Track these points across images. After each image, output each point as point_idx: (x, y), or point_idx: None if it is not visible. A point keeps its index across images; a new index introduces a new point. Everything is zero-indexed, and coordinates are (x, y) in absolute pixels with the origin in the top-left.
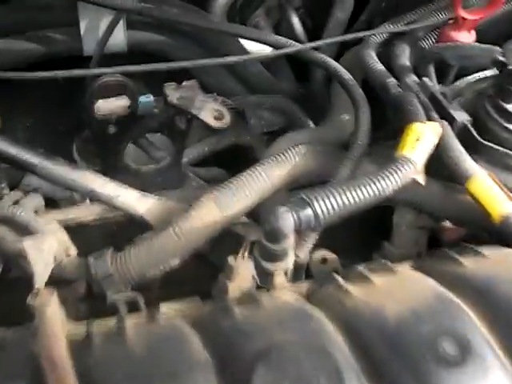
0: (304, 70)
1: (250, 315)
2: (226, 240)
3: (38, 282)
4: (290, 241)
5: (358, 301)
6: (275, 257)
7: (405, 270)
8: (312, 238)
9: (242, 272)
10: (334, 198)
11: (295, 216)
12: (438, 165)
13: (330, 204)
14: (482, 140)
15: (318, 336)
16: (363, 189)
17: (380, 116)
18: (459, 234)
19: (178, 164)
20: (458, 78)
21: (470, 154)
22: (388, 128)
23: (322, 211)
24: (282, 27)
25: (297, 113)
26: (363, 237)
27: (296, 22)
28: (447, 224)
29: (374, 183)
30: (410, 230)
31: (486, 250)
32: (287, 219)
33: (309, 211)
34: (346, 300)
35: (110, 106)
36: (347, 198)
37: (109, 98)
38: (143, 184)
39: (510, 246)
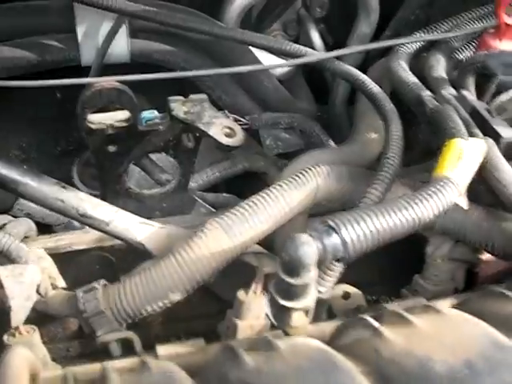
0: (322, 91)
1: (262, 365)
2: (235, 271)
3: (14, 318)
4: (313, 274)
5: (397, 349)
6: (294, 293)
7: (450, 310)
8: (337, 271)
9: (254, 309)
10: (365, 223)
11: (319, 244)
12: (480, 188)
13: (360, 230)
14: None
15: None
16: (400, 213)
17: (411, 136)
18: (497, 268)
19: (185, 188)
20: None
21: None
22: (420, 149)
23: (352, 239)
24: (300, 42)
25: (317, 132)
26: (391, 270)
27: (316, 36)
28: (484, 256)
29: (412, 206)
30: (446, 262)
31: None
32: (309, 248)
33: (335, 239)
34: (383, 348)
35: (105, 117)
36: (380, 223)
37: (105, 109)
38: (146, 209)
39: None
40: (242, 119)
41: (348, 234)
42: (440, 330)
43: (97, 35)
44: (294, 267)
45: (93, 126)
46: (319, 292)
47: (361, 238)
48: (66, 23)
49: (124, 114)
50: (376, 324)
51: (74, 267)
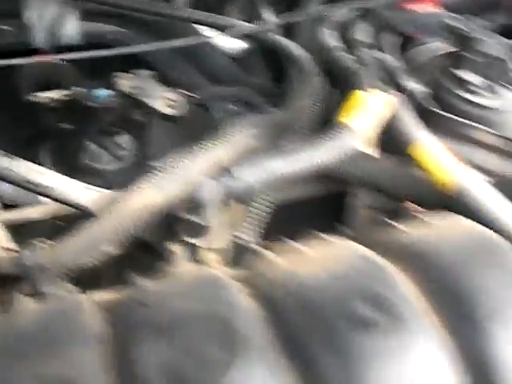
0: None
1: (158, 288)
2: (167, 224)
3: None
4: (215, 215)
5: (281, 272)
6: (197, 231)
7: (337, 239)
8: (256, 219)
9: (183, 258)
10: (262, 166)
11: (215, 184)
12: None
13: (255, 171)
14: (435, 110)
15: (223, 305)
16: (293, 156)
17: None
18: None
19: (143, 162)
20: None
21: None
22: None
23: (247, 178)
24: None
25: (262, 104)
26: (322, 225)
27: (270, 17)
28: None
29: (305, 151)
30: (367, 211)
31: (432, 217)
32: (206, 188)
33: (231, 179)
34: (268, 270)
35: (51, 94)
36: (275, 165)
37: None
38: (106, 184)
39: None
40: (191, 94)
41: (242, 175)
42: (320, 254)
43: (47, 18)
44: (194, 206)
45: (38, 100)
46: (240, 238)
47: (258, 179)
48: (16, 8)
49: (69, 90)
50: (262, 250)
51: (28, 237)
